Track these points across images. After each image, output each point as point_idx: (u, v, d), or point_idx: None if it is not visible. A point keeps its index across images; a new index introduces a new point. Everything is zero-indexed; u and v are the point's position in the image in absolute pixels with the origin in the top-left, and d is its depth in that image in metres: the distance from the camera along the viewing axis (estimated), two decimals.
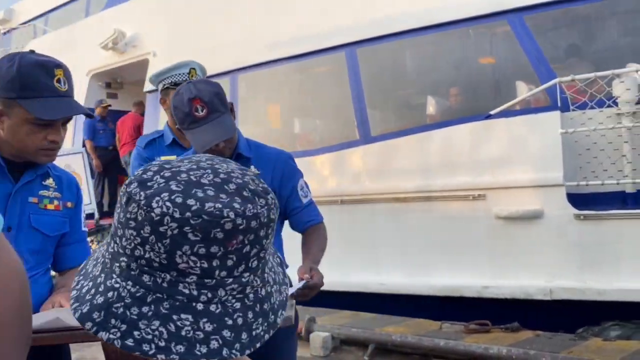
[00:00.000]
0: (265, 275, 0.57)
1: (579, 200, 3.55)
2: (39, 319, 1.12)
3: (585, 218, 3.43)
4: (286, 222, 1.71)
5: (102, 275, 0.56)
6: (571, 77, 3.48)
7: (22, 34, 11.03)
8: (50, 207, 1.39)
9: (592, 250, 3.43)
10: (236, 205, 0.52)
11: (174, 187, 0.53)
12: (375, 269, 4.41)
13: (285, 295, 0.61)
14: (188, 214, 0.50)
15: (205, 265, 0.51)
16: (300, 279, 1.43)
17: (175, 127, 1.98)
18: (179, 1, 6.72)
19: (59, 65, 1.29)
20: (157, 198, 0.52)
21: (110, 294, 0.54)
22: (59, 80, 1.27)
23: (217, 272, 0.52)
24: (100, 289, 0.55)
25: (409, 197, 4.22)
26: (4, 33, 11.72)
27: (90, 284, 0.57)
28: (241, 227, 0.52)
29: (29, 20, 10.82)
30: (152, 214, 0.51)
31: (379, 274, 4.36)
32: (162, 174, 0.55)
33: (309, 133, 5.60)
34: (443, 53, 4.58)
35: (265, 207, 0.55)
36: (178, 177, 0.54)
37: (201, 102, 1.48)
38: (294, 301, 1.45)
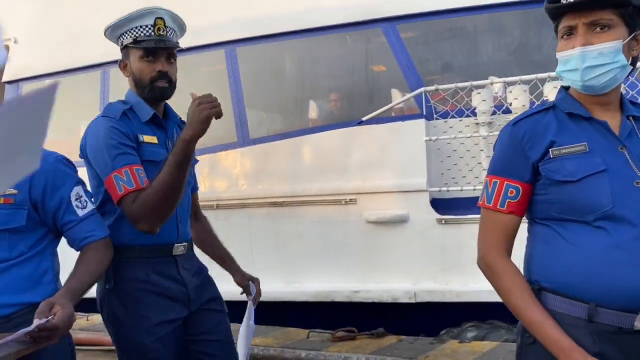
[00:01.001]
0: None
1: (442, 205, 3.70)
2: None
3: (447, 222, 3.58)
4: None
5: None
6: (435, 86, 3.61)
7: None
8: None
9: (453, 253, 3.58)
10: None
11: None
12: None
13: None
14: None
15: None
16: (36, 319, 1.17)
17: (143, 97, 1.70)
18: None
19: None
20: None
21: None
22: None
23: None
24: None
25: (285, 201, 4.15)
26: None
27: None
28: None
29: None
30: None
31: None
32: None
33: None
34: (322, 57, 4.57)
35: None
36: None
37: None
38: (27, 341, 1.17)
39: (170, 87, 1.75)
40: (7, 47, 6.03)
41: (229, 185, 4.46)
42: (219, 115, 1.58)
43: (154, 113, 1.73)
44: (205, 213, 5.04)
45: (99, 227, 1.47)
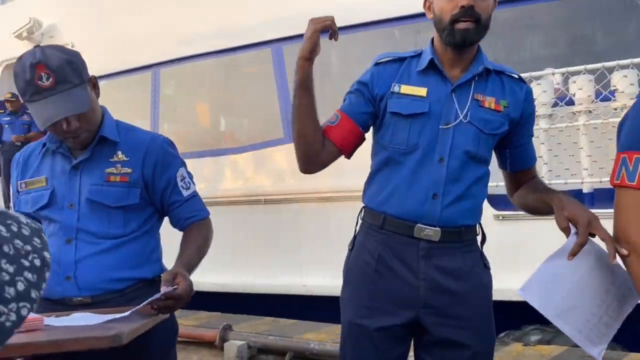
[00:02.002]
0: None
1: (499, 201, 3.59)
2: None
3: (504, 218, 3.49)
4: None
5: None
6: None
7: None
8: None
9: (511, 251, 3.47)
10: None
11: None
12: (298, 271, 4.31)
13: (14, 319, 0.43)
14: None
15: None
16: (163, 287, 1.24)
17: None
18: None
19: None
20: None
21: None
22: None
23: None
24: None
25: (333, 196, 4.15)
26: None
27: None
28: None
29: None
30: None
31: (302, 276, 4.26)
32: None
33: (234, 131, 5.43)
34: (368, 52, 4.55)
35: None
36: None
37: (47, 69, 1.25)
38: (159, 317, 1.25)
39: (478, 27, 1.31)
40: None
41: (276, 181, 4.50)
42: (328, 30, 1.44)
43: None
44: (253, 208, 5.13)
45: (202, 208, 1.49)
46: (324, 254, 4.18)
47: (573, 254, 1.17)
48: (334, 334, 3.36)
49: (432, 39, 1.41)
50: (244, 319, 3.77)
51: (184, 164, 1.48)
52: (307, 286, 4.19)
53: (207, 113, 5.66)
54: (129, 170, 1.38)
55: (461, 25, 1.29)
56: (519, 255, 3.41)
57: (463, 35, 1.30)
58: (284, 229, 4.40)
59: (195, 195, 1.48)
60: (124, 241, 1.38)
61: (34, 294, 0.45)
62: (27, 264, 0.45)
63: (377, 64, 1.44)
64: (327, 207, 4.22)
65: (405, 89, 1.38)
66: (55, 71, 1.26)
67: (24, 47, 7.03)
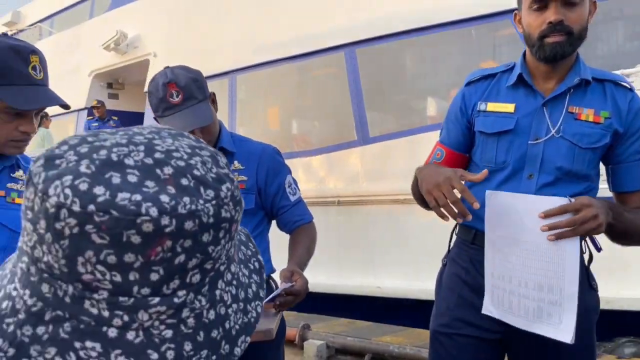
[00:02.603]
0: (218, 292, 0.43)
1: None
2: None
3: None
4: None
5: (8, 275, 0.43)
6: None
7: (28, 36, 11.09)
8: (19, 201, 1.29)
9: (605, 256, 3.31)
10: (164, 199, 0.38)
11: (83, 169, 0.38)
12: (372, 272, 4.32)
13: (255, 315, 0.47)
14: (91, 207, 0.37)
15: (118, 278, 0.38)
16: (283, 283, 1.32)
17: None
18: (179, 3, 6.71)
19: (35, 51, 1.19)
20: (57, 182, 0.38)
21: (5, 304, 0.41)
22: (34, 68, 1.18)
23: (135, 289, 0.38)
24: (0, 295, 0.42)
25: (407, 199, 4.12)
26: (12, 35, 11.81)
27: None
28: (168, 229, 0.38)
29: (35, 23, 10.89)
30: (47, 204, 0.37)
31: (376, 278, 4.27)
32: (78, 149, 0.40)
33: (306, 134, 5.54)
34: (444, 54, 4.50)
35: (213, 202, 0.40)
36: (94, 155, 0.39)
37: (176, 87, 1.39)
38: (274, 310, 1.33)
39: (570, 40, 1.25)
40: (147, 61, 6.73)
41: (349, 183, 4.54)
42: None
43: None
44: (327, 210, 5.19)
45: (307, 212, 1.58)
46: (398, 256, 4.17)
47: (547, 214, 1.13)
48: (412, 337, 3.35)
49: (524, 52, 1.36)
50: (320, 319, 3.83)
51: (290, 172, 1.58)
52: (381, 288, 4.19)
53: (277, 116, 5.82)
54: (245, 178, 1.48)
55: (550, 39, 1.23)
56: (612, 263, 3.24)
57: (553, 50, 1.23)
58: (358, 230, 4.43)
59: (300, 200, 1.57)
60: None
61: (261, 293, 0.49)
62: (251, 267, 0.50)
63: (467, 84, 1.42)
64: (401, 209, 4.20)
65: (492, 106, 1.35)
66: (184, 88, 1.39)
67: (111, 57, 7.55)
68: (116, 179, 0.38)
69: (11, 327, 0.39)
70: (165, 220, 0.38)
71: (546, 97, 1.30)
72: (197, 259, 0.40)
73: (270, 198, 1.52)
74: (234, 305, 0.45)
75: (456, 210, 1.18)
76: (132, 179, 0.39)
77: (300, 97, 5.53)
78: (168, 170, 0.40)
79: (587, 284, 1.31)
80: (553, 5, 1.21)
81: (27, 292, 0.40)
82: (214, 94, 1.51)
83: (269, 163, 1.51)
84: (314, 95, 5.34)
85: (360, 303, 4.27)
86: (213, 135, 1.48)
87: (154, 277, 0.39)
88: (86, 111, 7.83)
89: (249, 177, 1.49)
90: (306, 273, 1.37)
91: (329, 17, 4.97)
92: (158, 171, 0.40)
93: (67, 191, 0.37)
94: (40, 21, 10.76)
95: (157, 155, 0.41)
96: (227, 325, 0.44)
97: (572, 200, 1.13)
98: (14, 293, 0.41)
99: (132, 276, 0.38)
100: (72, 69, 8.09)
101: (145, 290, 0.39)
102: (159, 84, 1.41)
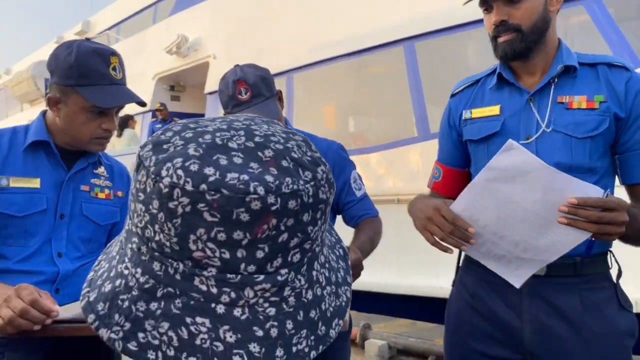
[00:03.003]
0: (314, 273, 0.44)
1: None
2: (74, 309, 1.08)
3: None
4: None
5: (117, 256, 0.46)
6: None
7: None
8: (102, 195, 1.38)
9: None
10: (269, 179, 0.40)
11: (191, 152, 0.41)
12: (434, 272, 4.20)
13: (346, 300, 0.47)
14: (203, 186, 0.38)
15: (227, 255, 0.39)
16: None
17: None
18: (237, 6, 6.84)
19: (114, 53, 1.28)
20: (169, 164, 0.40)
21: (118, 282, 0.43)
22: (114, 68, 1.27)
23: (242, 266, 0.40)
24: (111, 274, 0.45)
25: None
26: None
27: (106, 265, 0.47)
28: (274, 207, 0.39)
29: (104, 31, 11.49)
30: (161, 185, 0.39)
31: (438, 278, 4.14)
32: (183, 134, 0.43)
33: (363, 131, 5.48)
34: None
35: (312, 184, 0.41)
36: (200, 139, 0.42)
37: (245, 85, 1.42)
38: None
39: (520, 36, 1.22)
40: (207, 63, 6.91)
41: (409, 181, 4.44)
42: None
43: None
44: (387, 208, 5.09)
45: (372, 207, 1.56)
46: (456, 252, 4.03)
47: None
48: None
49: None
50: (380, 319, 3.76)
51: (354, 167, 1.56)
52: (444, 288, 4.06)
53: (334, 114, 5.79)
54: None
55: (501, 39, 1.19)
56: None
57: (504, 50, 1.19)
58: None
59: (366, 195, 1.55)
60: None
61: (348, 279, 0.49)
62: (337, 252, 0.50)
63: (452, 96, 1.36)
64: None
65: (477, 112, 1.27)
66: (252, 86, 1.43)
67: (173, 61, 7.81)
68: (223, 160, 0.40)
69: (126, 303, 0.42)
70: (271, 199, 0.39)
71: (531, 92, 1.21)
72: (298, 238, 0.42)
73: (337, 194, 1.51)
74: (328, 288, 0.46)
75: (456, 240, 1.08)
76: (238, 160, 0.41)
77: (357, 94, 5.48)
78: (269, 152, 0.42)
79: (616, 303, 1.15)
80: (495, 5, 1.19)
81: (139, 270, 0.42)
82: (280, 91, 1.53)
83: (334, 159, 1.50)
84: (371, 92, 5.27)
85: (422, 303, 4.16)
86: None
87: (259, 254, 0.40)
88: (151, 113, 8.16)
89: None
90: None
91: (387, 13, 4.89)
92: (260, 153, 0.42)
93: (180, 172, 0.39)
94: (108, 29, 11.34)
95: (257, 139, 0.43)
96: (323, 307, 0.44)
97: (608, 195, 0.99)
98: (126, 272, 0.43)
99: (240, 253, 0.40)
100: (137, 73, 8.45)
101: (251, 268, 0.40)
102: (229, 82, 1.45)
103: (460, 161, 1.34)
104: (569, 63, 1.19)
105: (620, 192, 1.16)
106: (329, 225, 0.52)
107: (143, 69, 8.45)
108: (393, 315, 4.01)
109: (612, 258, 1.17)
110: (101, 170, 1.39)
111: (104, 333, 0.41)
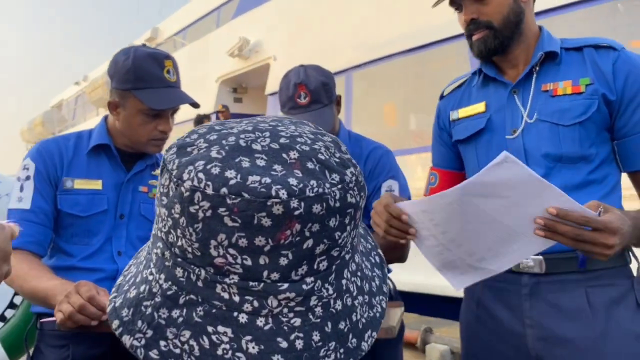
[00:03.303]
0: (344, 282, 0.42)
1: None
2: None
3: None
4: None
5: (144, 262, 0.45)
6: None
7: (164, 49, 12.24)
8: None
9: None
10: (292, 182, 0.38)
11: (214, 154, 0.39)
12: None
13: (381, 310, 0.45)
14: (224, 190, 0.37)
15: (249, 262, 0.38)
16: None
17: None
18: (296, 6, 6.88)
19: (168, 57, 1.32)
20: (190, 167, 0.39)
21: (142, 288, 0.42)
22: (168, 71, 1.30)
23: (265, 273, 0.38)
24: (137, 280, 0.44)
25: None
26: None
27: (134, 270, 0.47)
28: (297, 211, 0.37)
29: (171, 36, 11.99)
30: (182, 189, 0.38)
31: None
32: (207, 137, 0.42)
33: (424, 129, 5.33)
34: (587, 33, 4.02)
35: (339, 187, 0.39)
36: (223, 141, 0.40)
37: (306, 89, 1.42)
38: (402, 308, 1.28)
39: (493, 32, 1.19)
40: (268, 65, 7.01)
41: None
42: None
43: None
44: None
45: None
46: None
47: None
48: None
49: None
50: (441, 323, 3.65)
51: (397, 177, 1.49)
52: None
53: (394, 112, 5.69)
54: None
55: (475, 37, 1.17)
56: None
57: (479, 47, 1.16)
58: None
59: None
60: None
61: (384, 288, 0.46)
62: (373, 261, 0.47)
63: (441, 98, 1.33)
64: None
65: (463, 111, 1.23)
66: (312, 92, 1.42)
67: (235, 63, 8.00)
68: (246, 163, 0.39)
69: (149, 310, 0.41)
70: (294, 203, 0.37)
71: (514, 84, 1.16)
72: (324, 245, 0.39)
73: (367, 199, 1.47)
74: (360, 298, 0.43)
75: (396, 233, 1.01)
76: (261, 162, 0.39)
77: (418, 91, 5.34)
78: (294, 154, 0.40)
79: (633, 302, 1.03)
80: (464, 4, 1.18)
81: (163, 276, 0.41)
82: (339, 96, 1.52)
83: (372, 163, 1.49)
84: (432, 89, 5.11)
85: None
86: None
87: (283, 261, 0.38)
88: (214, 115, 8.40)
89: None
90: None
91: (447, 7, 4.73)
92: (284, 155, 0.40)
93: (201, 175, 0.38)
94: (175, 34, 11.82)
95: (282, 140, 0.41)
96: (354, 318, 0.42)
97: (601, 209, 0.87)
98: (150, 277, 0.42)
99: (262, 260, 0.38)
100: (201, 77, 8.74)
101: (275, 276, 0.38)
102: (290, 82, 1.45)
103: (455, 163, 1.30)
104: (549, 49, 1.14)
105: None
106: (364, 231, 0.50)
107: (207, 72, 8.72)
108: (456, 320, 3.87)
109: (630, 252, 1.06)
110: (159, 171, 1.41)
111: (127, 340, 0.40)
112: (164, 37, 12.55)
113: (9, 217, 1.21)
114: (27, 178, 1.27)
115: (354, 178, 0.41)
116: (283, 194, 0.37)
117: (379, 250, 0.50)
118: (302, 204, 0.37)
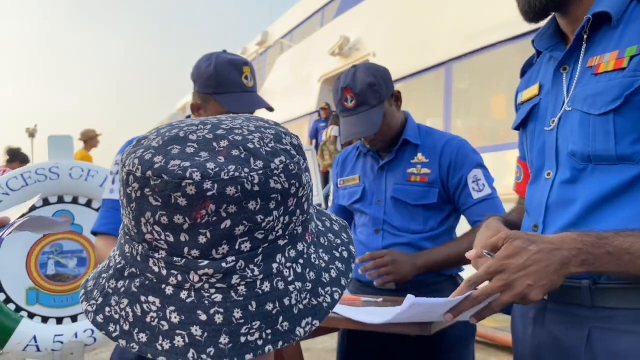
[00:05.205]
0: (275, 265, 0.44)
1: None
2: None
3: None
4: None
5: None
6: None
7: (273, 52, 12.78)
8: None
9: None
10: (210, 166, 0.41)
11: (154, 144, 0.44)
12: None
13: (330, 301, 0.46)
14: (149, 172, 0.42)
15: (172, 239, 0.42)
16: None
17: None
18: (393, 3, 6.77)
19: (246, 63, 1.39)
20: (132, 156, 0.44)
21: (105, 263, 0.49)
22: (246, 77, 1.36)
23: (186, 250, 0.42)
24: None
25: None
26: (262, 53, 13.82)
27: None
28: (210, 192, 0.40)
29: (278, 39, 12.47)
30: (123, 174, 0.44)
31: None
32: (161, 130, 0.47)
33: None
34: None
35: (260, 172, 0.42)
36: (168, 133, 0.45)
37: (352, 93, 1.42)
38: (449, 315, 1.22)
39: None
40: (367, 61, 7.00)
41: None
42: None
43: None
44: None
45: (492, 213, 1.41)
46: None
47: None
48: None
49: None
50: None
51: (480, 166, 1.45)
52: None
53: (503, 104, 5.34)
54: (428, 171, 1.45)
55: None
56: None
57: (523, 7, 0.88)
58: None
59: (488, 198, 1.42)
60: (423, 237, 1.45)
61: (343, 281, 0.48)
62: (337, 255, 0.50)
63: (521, 74, 1.07)
64: None
65: (525, 94, 0.98)
66: (358, 95, 1.42)
67: (336, 62, 8.10)
68: (176, 150, 0.43)
69: (103, 281, 0.46)
70: (207, 184, 0.40)
71: (558, 59, 0.89)
72: (244, 227, 0.42)
73: (453, 192, 1.44)
74: (298, 284, 0.45)
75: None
76: (190, 150, 0.43)
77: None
78: (224, 143, 0.43)
79: None
80: None
81: (117, 252, 0.47)
82: (398, 92, 1.49)
83: (451, 155, 1.44)
84: None
85: None
86: (385, 136, 1.47)
87: (202, 239, 0.41)
88: (316, 113, 8.59)
89: (432, 171, 1.45)
90: None
91: None
92: (215, 144, 0.43)
93: (136, 161, 0.43)
94: (283, 37, 12.28)
95: (220, 132, 0.44)
96: (286, 302, 0.44)
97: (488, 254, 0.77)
98: (112, 254, 0.48)
99: (183, 237, 0.42)
100: (305, 77, 8.98)
101: (195, 253, 0.42)
102: (338, 87, 1.46)
103: None
104: (601, 9, 0.82)
105: None
106: (340, 227, 0.53)
107: (310, 72, 8.94)
108: None
109: None
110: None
111: (84, 306, 0.46)
112: (273, 40, 13.10)
113: (103, 206, 1.36)
114: (118, 172, 1.40)
115: (281, 166, 0.43)
116: (197, 176, 0.40)
117: (351, 247, 0.52)
118: (216, 185, 0.40)
